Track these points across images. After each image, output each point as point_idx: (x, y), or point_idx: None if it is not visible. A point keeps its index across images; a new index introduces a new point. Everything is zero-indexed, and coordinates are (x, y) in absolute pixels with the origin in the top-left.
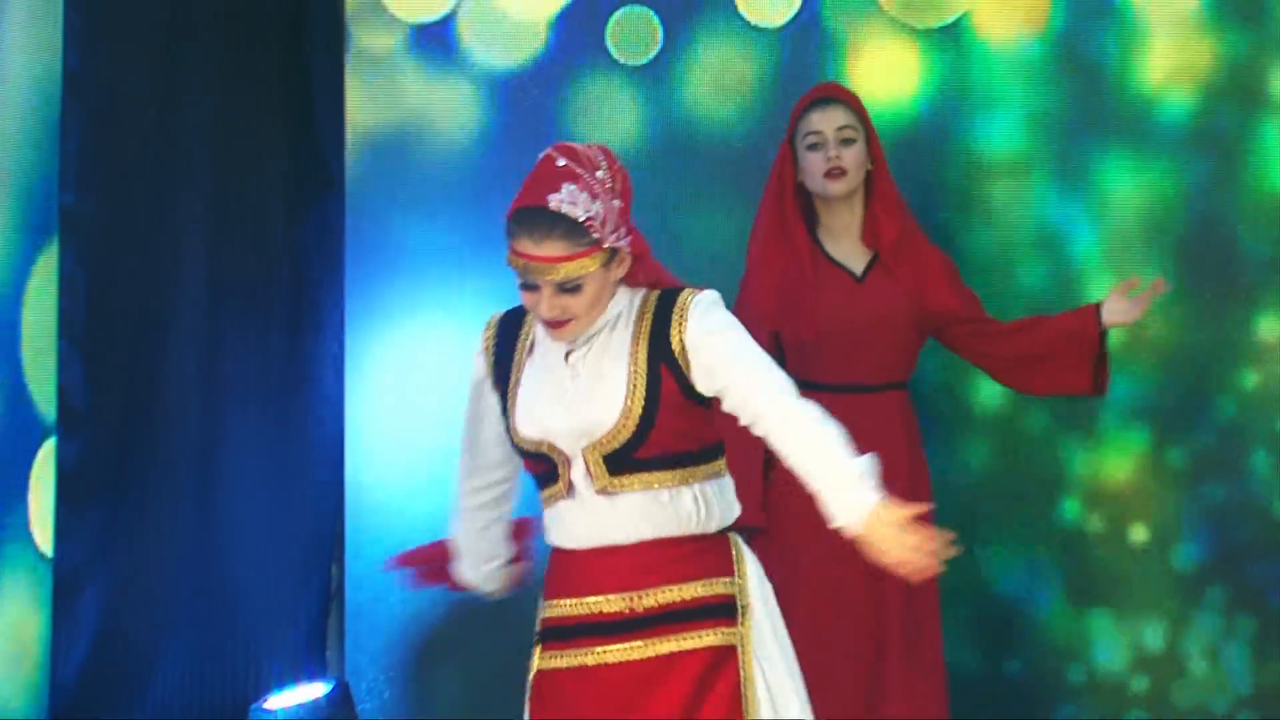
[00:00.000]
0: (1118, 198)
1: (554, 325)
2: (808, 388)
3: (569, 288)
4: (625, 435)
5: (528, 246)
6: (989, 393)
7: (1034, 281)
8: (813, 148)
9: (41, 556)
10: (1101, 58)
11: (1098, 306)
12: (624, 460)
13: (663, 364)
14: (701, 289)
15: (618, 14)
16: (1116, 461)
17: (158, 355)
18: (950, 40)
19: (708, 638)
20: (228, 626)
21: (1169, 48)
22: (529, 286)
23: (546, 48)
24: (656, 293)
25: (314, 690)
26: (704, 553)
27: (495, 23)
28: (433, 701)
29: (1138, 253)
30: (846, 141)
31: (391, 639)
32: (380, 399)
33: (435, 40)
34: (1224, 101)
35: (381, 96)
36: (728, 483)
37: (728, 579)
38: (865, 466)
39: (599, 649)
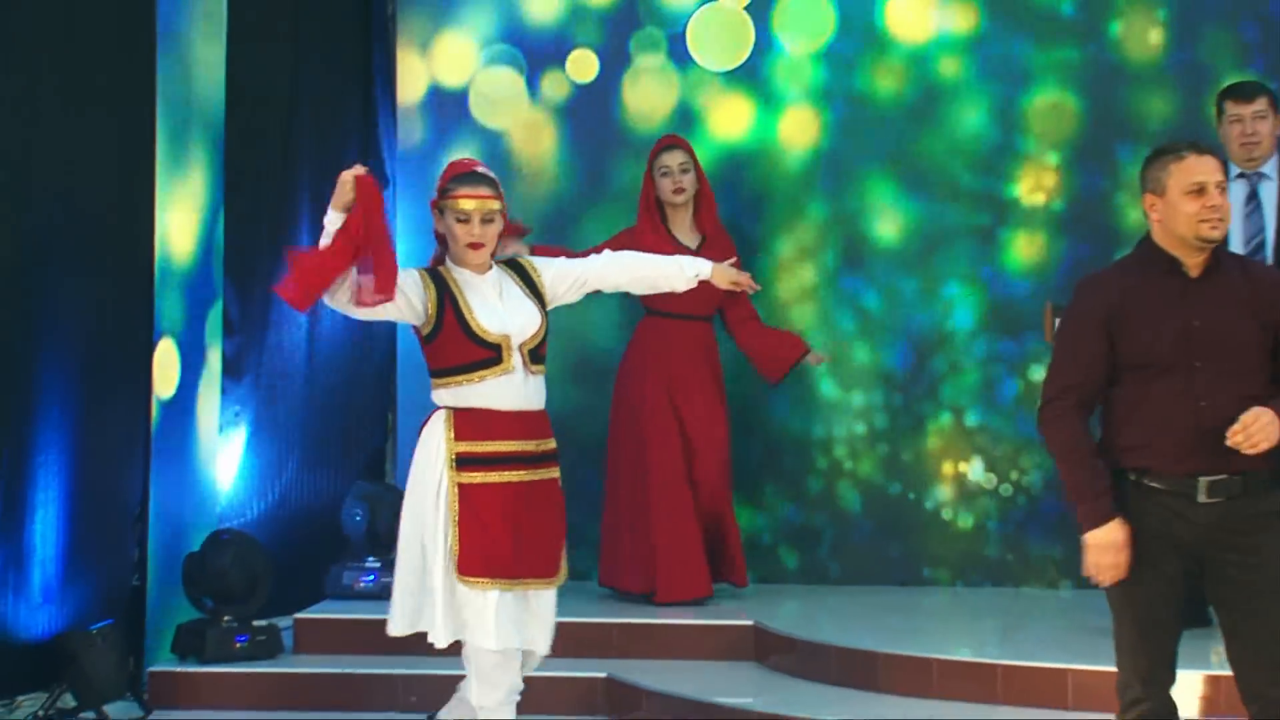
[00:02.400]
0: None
1: (474, 247)
2: (663, 315)
3: (489, 219)
4: (539, 338)
5: (467, 192)
6: None
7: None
8: (664, 175)
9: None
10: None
11: (805, 351)
12: (536, 354)
13: (538, 300)
14: (530, 253)
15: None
16: None
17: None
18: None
19: (554, 471)
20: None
21: None
22: (462, 221)
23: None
24: (511, 266)
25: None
26: (548, 417)
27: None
28: None
29: None
30: (684, 171)
31: None
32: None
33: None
34: None
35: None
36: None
37: (552, 437)
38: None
39: (510, 473)
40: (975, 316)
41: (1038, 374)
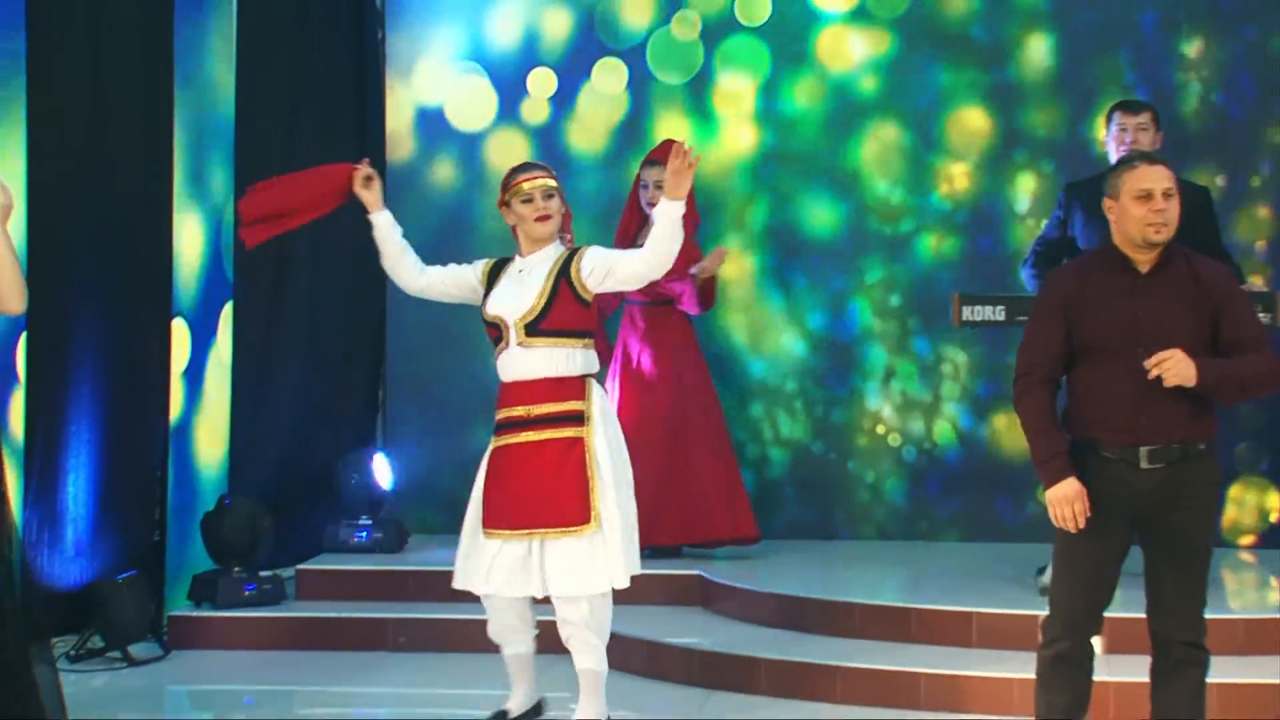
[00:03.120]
0: None
1: (542, 220)
2: (637, 302)
3: (549, 195)
4: (535, 313)
5: (525, 177)
6: None
7: None
8: (644, 188)
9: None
10: None
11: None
12: (533, 328)
13: (563, 280)
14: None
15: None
16: None
17: (285, 258)
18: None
19: (567, 431)
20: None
21: None
22: (527, 200)
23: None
24: (566, 250)
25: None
26: (568, 385)
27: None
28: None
29: None
30: (659, 185)
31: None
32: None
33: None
34: None
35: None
36: (592, 353)
37: (580, 401)
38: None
39: (511, 437)
40: (893, 303)
41: (945, 353)
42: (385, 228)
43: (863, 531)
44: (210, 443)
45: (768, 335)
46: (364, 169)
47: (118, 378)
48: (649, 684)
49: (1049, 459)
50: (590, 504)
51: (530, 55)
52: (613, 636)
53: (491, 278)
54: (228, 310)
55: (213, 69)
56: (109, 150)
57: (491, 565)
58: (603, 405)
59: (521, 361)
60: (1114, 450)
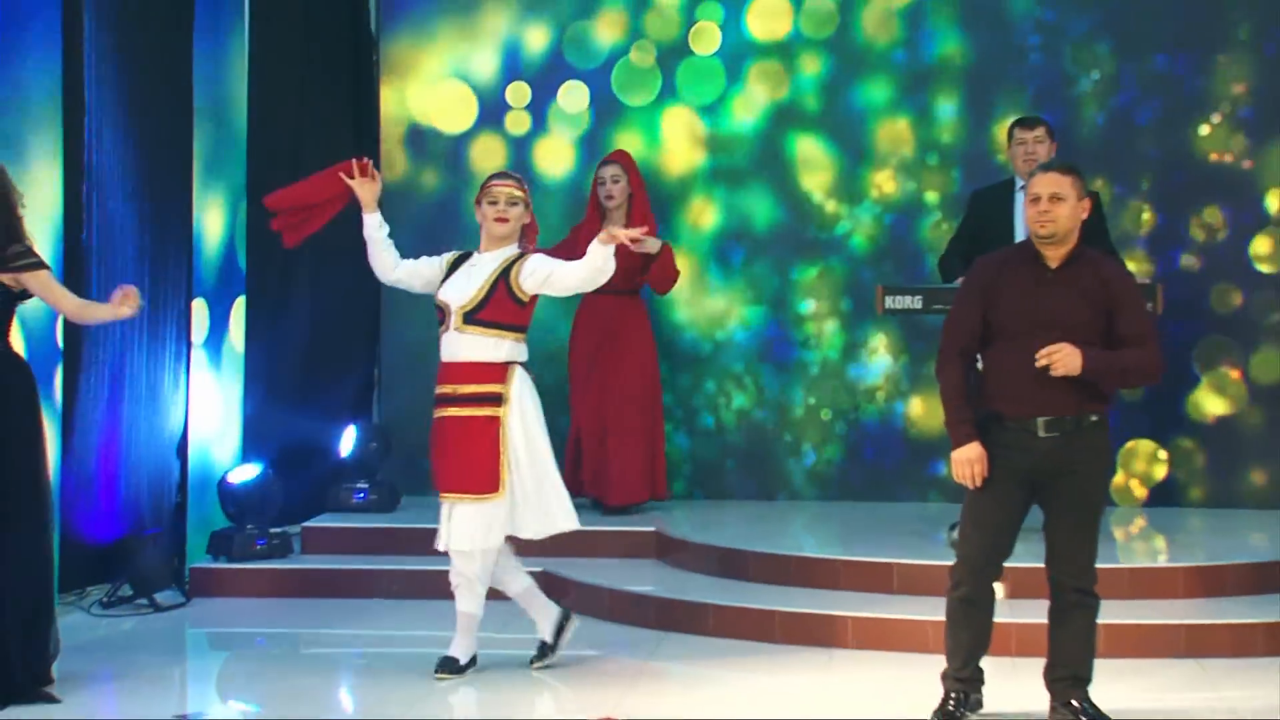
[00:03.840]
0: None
1: (499, 220)
2: (600, 291)
3: (513, 202)
4: (473, 304)
5: (497, 183)
6: None
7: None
8: (600, 184)
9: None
10: None
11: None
12: (470, 316)
13: (503, 280)
14: (536, 252)
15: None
16: None
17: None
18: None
19: (487, 410)
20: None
21: None
22: (493, 203)
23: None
24: (517, 253)
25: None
26: (493, 370)
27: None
28: None
29: None
30: (615, 181)
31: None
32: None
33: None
34: None
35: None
36: (522, 345)
37: (501, 385)
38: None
39: (442, 411)
40: (827, 294)
41: (870, 336)
42: (373, 227)
43: (799, 493)
44: (225, 414)
45: (721, 322)
46: (365, 163)
47: (146, 355)
48: (611, 626)
49: (958, 425)
50: (499, 476)
51: (509, 72)
52: (578, 585)
53: (452, 267)
54: (241, 293)
55: (229, 88)
56: (140, 160)
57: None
58: (522, 390)
59: (456, 344)
60: (1015, 420)
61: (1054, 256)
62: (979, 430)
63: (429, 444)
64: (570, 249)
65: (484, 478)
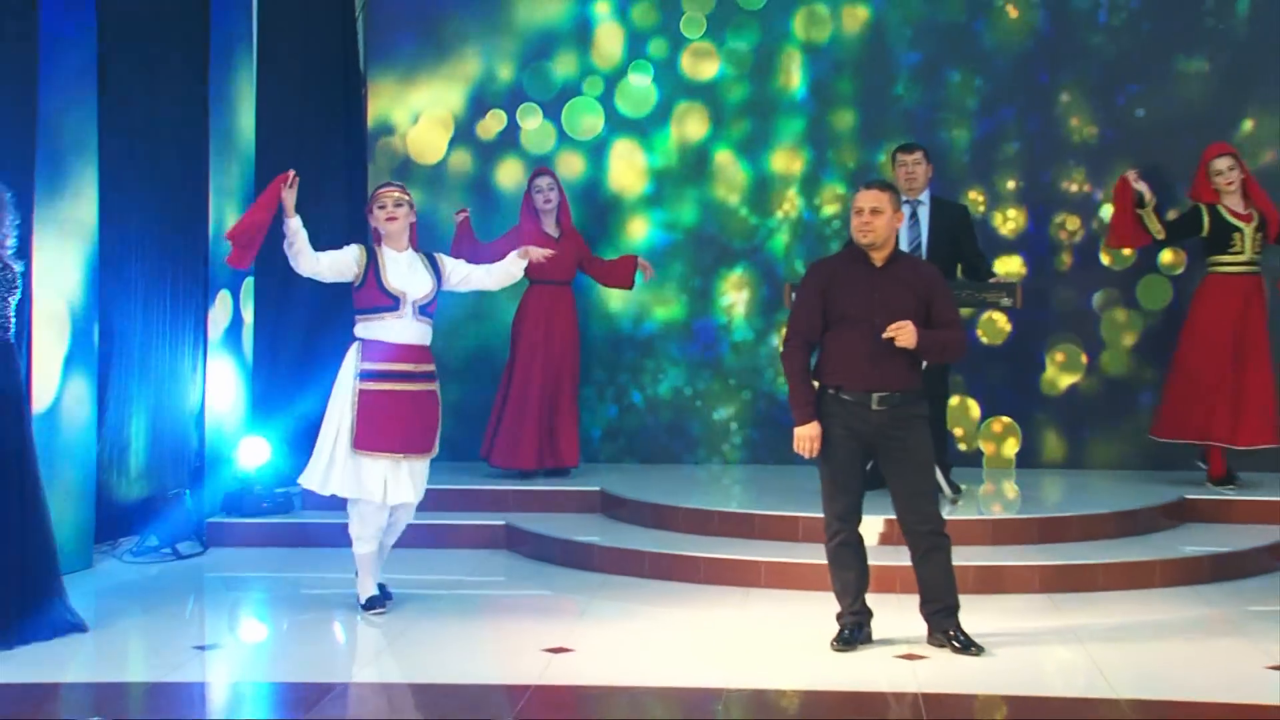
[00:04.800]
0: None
1: (390, 220)
2: (538, 282)
3: (399, 204)
4: (427, 299)
5: (384, 191)
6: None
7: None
8: (537, 192)
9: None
10: None
11: (636, 260)
12: (424, 310)
13: (437, 280)
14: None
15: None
16: None
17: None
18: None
19: (431, 385)
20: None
21: None
22: (381, 207)
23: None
24: (429, 256)
25: None
26: (430, 352)
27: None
28: None
29: None
30: (550, 189)
31: None
32: None
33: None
34: None
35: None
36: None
37: (432, 365)
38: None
39: (398, 384)
40: (745, 290)
41: (779, 325)
42: (295, 229)
43: (720, 457)
44: (238, 390)
45: (656, 311)
46: (289, 176)
47: (170, 339)
48: (563, 570)
49: (801, 405)
50: (436, 437)
51: (482, 100)
52: (536, 536)
53: (370, 259)
54: (250, 290)
55: (239, 121)
56: (162, 181)
57: (378, 478)
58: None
59: (409, 329)
60: (852, 394)
61: (879, 257)
62: (821, 403)
63: (374, 412)
64: (512, 242)
65: (431, 439)
